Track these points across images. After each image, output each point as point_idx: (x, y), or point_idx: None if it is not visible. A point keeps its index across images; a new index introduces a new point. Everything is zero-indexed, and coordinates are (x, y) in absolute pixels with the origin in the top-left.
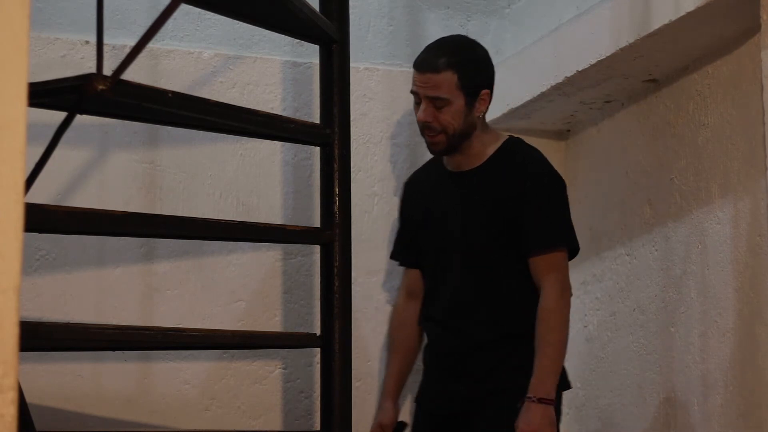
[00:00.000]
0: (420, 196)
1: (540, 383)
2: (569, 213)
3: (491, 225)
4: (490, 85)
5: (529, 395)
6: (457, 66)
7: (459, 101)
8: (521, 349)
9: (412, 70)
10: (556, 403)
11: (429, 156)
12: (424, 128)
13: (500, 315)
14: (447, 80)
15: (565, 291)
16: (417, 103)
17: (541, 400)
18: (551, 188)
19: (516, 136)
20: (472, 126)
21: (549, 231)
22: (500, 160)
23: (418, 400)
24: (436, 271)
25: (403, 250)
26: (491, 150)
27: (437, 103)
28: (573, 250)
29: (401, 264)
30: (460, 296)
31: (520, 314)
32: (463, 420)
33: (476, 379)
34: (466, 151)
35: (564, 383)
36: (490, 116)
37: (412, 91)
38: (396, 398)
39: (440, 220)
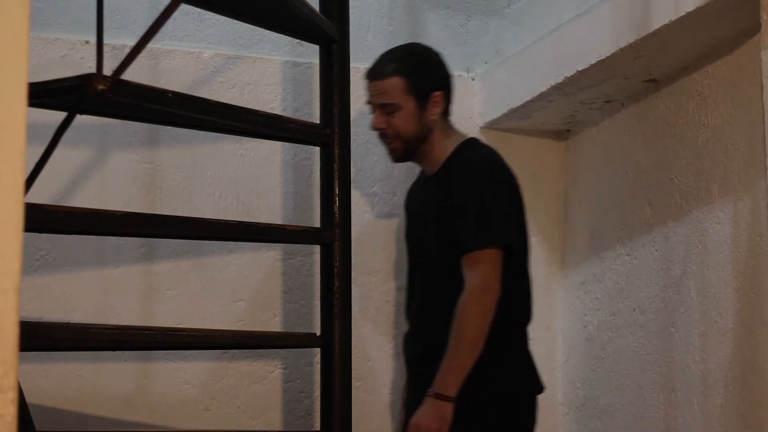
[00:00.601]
0: (409, 202)
1: (439, 379)
2: (504, 210)
3: (437, 231)
4: (443, 87)
5: (428, 390)
6: (404, 71)
7: (409, 105)
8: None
9: None
10: (527, 407)
11: None
12: (381, 136)
13: (451, 321)
14: (394, 85)
15: (486, 289)
16: (373, 113)
17: (437, 396)
18: (477, 186)
19: (474, 138)
20: (428, 129)
21: (473, 230)
22: (448, 164)
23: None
24: (415, 278)
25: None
26: (448, 154)
27: (388, 109)
28: (517, 247)
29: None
30: (422, 303)
31: None
32: None
33: (424, 385)
34: (428, 156)
35: (531, 385)
36: (490, 116)
37: (366, 102)
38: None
39: (413, 226)
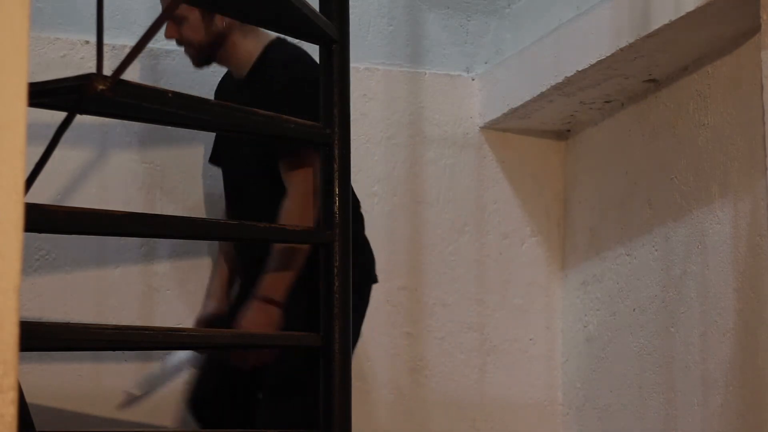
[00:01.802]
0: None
1: (266, 282)
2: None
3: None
4: None
5: (256, 293)
6: None
7: (194, 14)
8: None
9: (412, 70)
10: (361, 295)
11: (427, 151)
12: (177, 44)
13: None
14: None
15: (309, 193)
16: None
17: (264, 299)
18: (290, 91)
19: (280, 37)
20: (220, 35)
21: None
22: (258, 67)
23: None
24: (229, 188)
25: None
26: (254, 58)
27: (176, 21)
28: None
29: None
30: (241, 213)
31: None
32: None
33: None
34: (231, 58)
35: (363, 275)
36: (490, 116)
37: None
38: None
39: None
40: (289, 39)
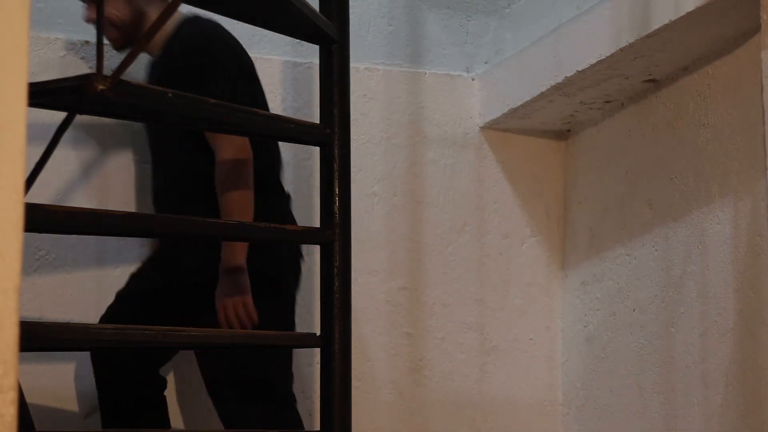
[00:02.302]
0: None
1: (226, 253)
2: (231, 78)
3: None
4: None
5: (222, 265)
6: None
7: None
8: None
9: (412, 70)
10: (291, 270)
11: (427, 151)
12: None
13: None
14: None
15: (239, 154)
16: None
17: (229, 269)
18: (204, 64)
19: (195, 15)
20: (140, 14)
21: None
22: (170, 45)
23: None
24: (156, 166)
25: None
26: (167, 36)
27: (95, 1)
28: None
29: None
30: (169, 189)
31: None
32: None
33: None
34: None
35: (293, 251)
36: (490, 116)
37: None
38: None
39: None
40: (205, 14)
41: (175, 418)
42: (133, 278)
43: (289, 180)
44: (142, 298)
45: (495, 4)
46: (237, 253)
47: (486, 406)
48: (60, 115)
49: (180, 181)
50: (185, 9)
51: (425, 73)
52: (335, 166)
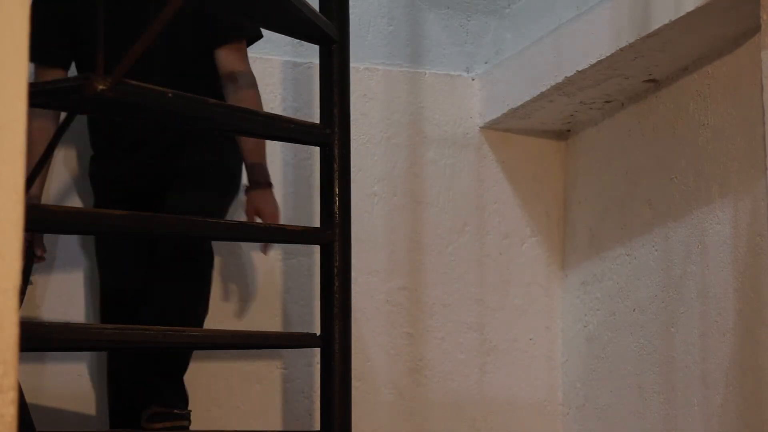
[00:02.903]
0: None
1: (261, 169)
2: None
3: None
4: None
5: (258, 182)
6: None
7: None
8: None
9: (412, 70)
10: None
11: (427, 151)
12: None
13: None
14: None
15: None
16: None
17: (269, 185)
18: None
19: None
20: None
21: (231, 20)
22: None
23: None
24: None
25: None
26: None
27: None
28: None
29: None
30: None
31: None
32: None
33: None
34: None
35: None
36: (490, 116)
37: None
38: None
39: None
40: None
41: None
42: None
43: (289, 180)
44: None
45: (495, 4)
46: (267, 172)
47: (486, 406)
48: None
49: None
50: None
51: (425, 73)
52: (335, 166)
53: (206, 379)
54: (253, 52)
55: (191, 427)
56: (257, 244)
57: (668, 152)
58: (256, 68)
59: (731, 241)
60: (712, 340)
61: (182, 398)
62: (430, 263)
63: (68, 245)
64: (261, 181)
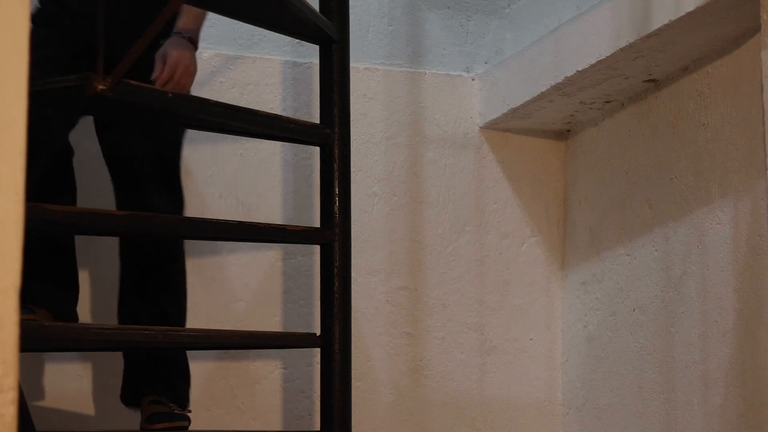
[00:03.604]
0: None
1: (185, 18)
2: None
3: None
4: None
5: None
6: None
7: None
8: None
9: (412, 70)
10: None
11: (427, 151)
12: None
13: None
14: None
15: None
16: None
17: (191, 40)
18: None
19: None
20: None
21: None
22: None
23: None
24: None
25: None
26: None
27: None
28: None
29: None
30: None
31: None
32: None
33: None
34: None
35: None
36: (490, 116)
37: None
38: None
39: None
40: None
41: None
42: None
43: (289, 180)
44: None
45: (495, 4)
46: (194, 20)
47: (486, 406)
48: None
49: None
50: None
51: (425, 73)
52: (335, 166)
53: (206, 379)
54: (253, 52)
55: (191, 427)
56: (258, 244)
57: (668, 152)
58: (256, 68)
59: (731, 241)
60: (712, 340)
61: (182, 396)
62: (430, 263)
63: None
64: (184, 34)
